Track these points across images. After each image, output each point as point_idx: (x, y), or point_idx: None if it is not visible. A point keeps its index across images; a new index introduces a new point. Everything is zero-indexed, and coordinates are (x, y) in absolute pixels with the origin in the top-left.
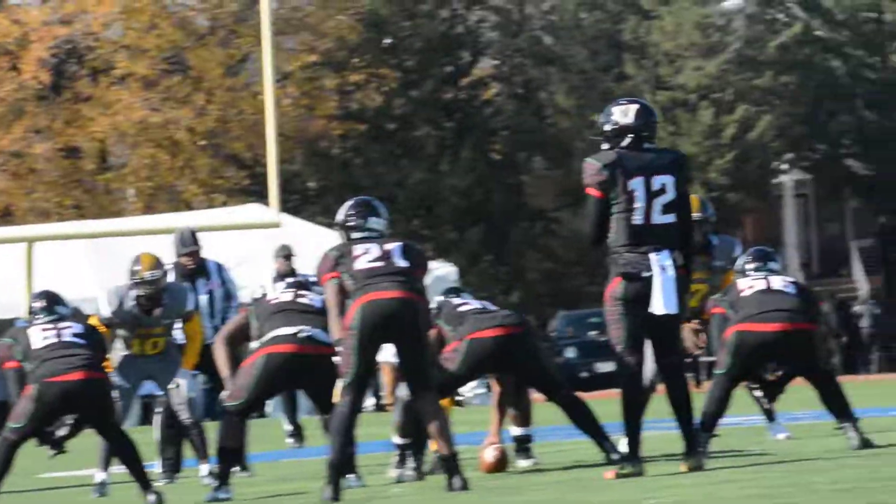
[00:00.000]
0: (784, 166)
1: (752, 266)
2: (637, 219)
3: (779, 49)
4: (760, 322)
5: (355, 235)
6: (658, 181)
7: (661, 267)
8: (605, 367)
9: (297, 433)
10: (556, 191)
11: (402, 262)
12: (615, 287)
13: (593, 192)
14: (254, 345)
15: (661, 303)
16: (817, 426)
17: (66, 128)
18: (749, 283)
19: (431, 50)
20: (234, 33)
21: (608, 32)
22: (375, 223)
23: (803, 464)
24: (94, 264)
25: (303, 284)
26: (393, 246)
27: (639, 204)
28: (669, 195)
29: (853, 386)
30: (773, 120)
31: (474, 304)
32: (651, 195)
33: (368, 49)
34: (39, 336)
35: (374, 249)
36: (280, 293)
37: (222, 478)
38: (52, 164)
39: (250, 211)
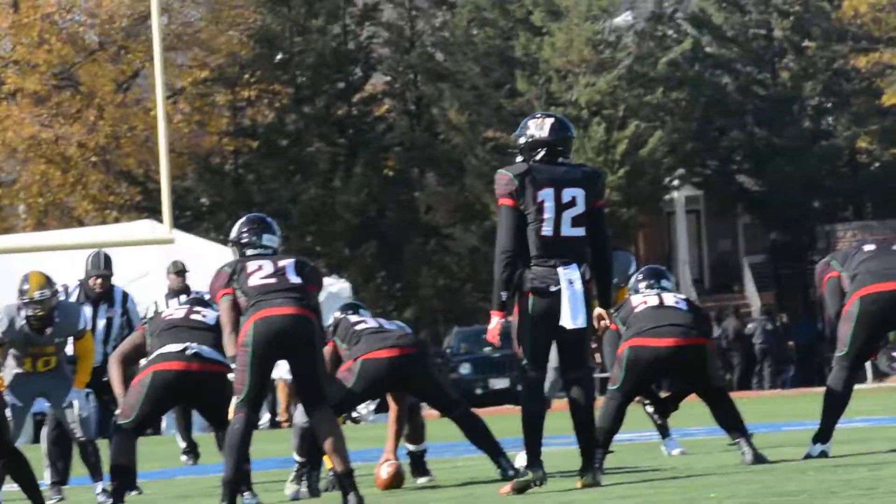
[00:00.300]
0: (676, 182)
1: (644, 284)
2: (546, 230)
3: (669, 65)
4: (654, 337)
5: (249, 252)
6: (568, 193)
7: (568, 281)
8: (500, 383)
9: (192, 450)
10: (449, 207)
11: (295, 279)
12: (525, 301)
13: (506, 201)
14: (143, 362)
15: (568, 317)
16: (711, 442)
17: None
18: (642, 300)
19: (323, 66)
20: (124, 49)
21: (500, 49)
22: (269, 240)
23: (697, 479)
24: None
25: (199, 301)
26: (287, 262)
27: (548, 215)
28: (579, 208)
29: (746, 402)
30: (665, 136)
31: (370, 323)
32: (560, 207)
33: (260, 65)
34: None
35: (268, 266)
36: (174, 310)
37: (116, 495)
38: None
39: (143, 227)
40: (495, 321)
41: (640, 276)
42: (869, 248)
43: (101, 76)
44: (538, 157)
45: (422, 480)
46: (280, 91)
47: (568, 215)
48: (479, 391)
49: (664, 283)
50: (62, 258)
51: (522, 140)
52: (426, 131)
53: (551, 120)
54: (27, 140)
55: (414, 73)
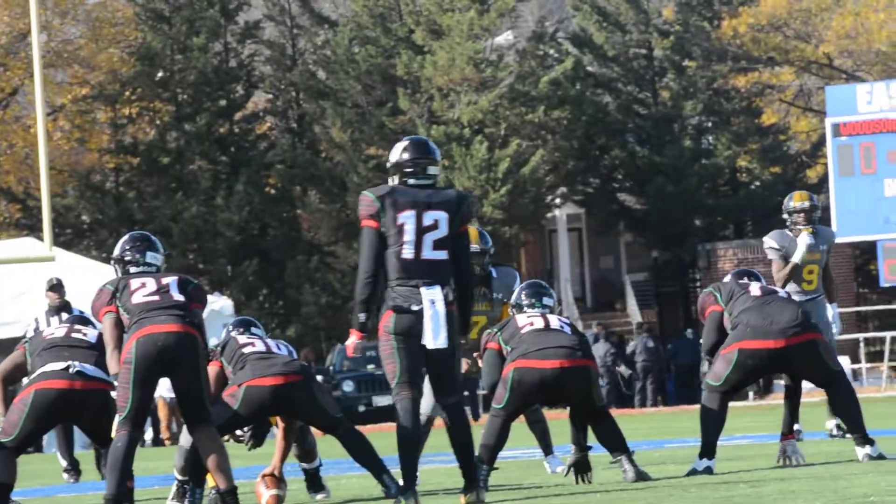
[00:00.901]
0: (557, 200)
1: (527, 301)
2: (407, 253)
3: (551, 84)
4: (539, 359)
5: (132, 270)
6: (430, 216)
7: (430, 301)
8: (383, 400)
9: (74, 468)
10: (331, 225)
11: (178, 296)
12: (387, 320)
13: (368, 223)
14: (25, 381)
15: (430, 336)
16: (594, 459)
17: None
18: (528, 320)
19: (205, 83)
20: (3, 66)
21: (382, 67)
22: (152, 258)
23: (580, 497)
24: None
25: (80, 319)
26: (170, 280)
27: (408, 238)
28: (441, 231)
29: (629, 419)
30: (546, 154)
31: (258, 346)
32: (422, 230)
33: (141, 82)
34: None
35: (151, 283)
36: (54, 329)
37: None
38: None
39: (23, 245)
40: (352, 339)
41: (523, 292)
42: (755, 293)
43: None
44: (397, 180)
45: (319, 497)
46: (161, 109)
47: (429, 238)
48: (361, 408)
49: (546, 300)
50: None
51: (389, 164)
52: (308, 149)
53: (405, 142)
54: None
55: (296, 91)
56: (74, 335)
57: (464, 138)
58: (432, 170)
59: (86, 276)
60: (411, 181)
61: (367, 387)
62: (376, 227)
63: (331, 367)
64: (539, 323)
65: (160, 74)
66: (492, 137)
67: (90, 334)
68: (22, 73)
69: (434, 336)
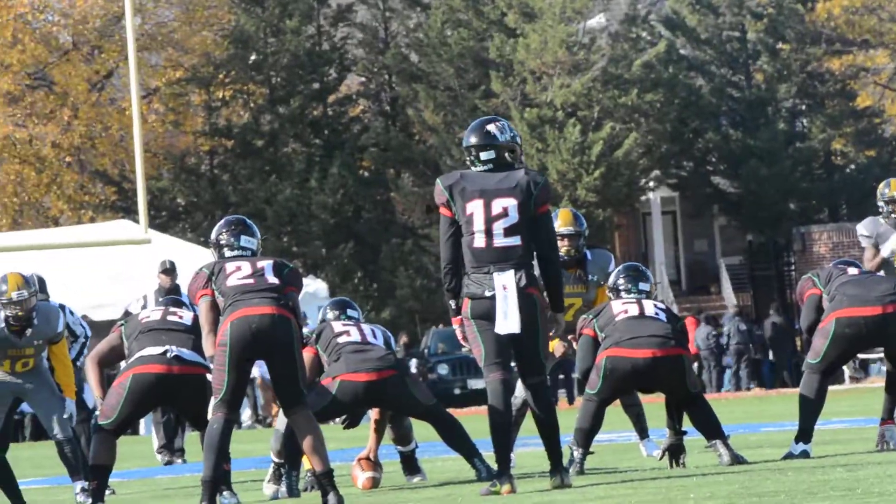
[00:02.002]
0: (651, 184)
1: (623, 285)
2: (478, 242)
3: (644, 67)
4: (632, 348)
5: (227, 253)
6: (498, 204)
7: (502, 286)
8: (478, 383)
9: (169, 448)
10: (425, 207)
11: (273, 279)
12: (466, 307)
13: (443, 210)
14: (122, 364)
15: (501, 322)
16: (690, 443)
17: None
18: (622, 308)
19: (298, 66)
20: (98, 49)
21: (474, 50)
22: (247, 241)
23: (676, 480)
24: None
25: (175, 302)
26: (265, 263)
27: (478, 227)
28: (511, 218)
29: (725, 403)
30: (640, 137)
31: (353, 336)
32: (491, 219)
33: (235, 65)
34: None
35: (246, 266)
36: (150, 312)
37: (96, 495)
38: None
39: (119, 227)
40: (455, 328)
41: (621, 276)
42: (853, 272)
43: (74, 76)
44: (469, 163)
45: (415, 479)
46: (255, 91)
47: (500, 226)
48: (457, 391)
49: (642, 285)
50: (38, 258)
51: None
52: (401, 132)
53: (474, 123)
54: (1, 140)
55: (388, 74)
56: (170, 318)
57: (557, 121)
58: (485, 155)
59: (181, 259)
60: (483, 156)
61: (461, 370)
62: (450, 216)
63: (425, 351)
64: (634, 310)
65: (253, 57)
66: (585, 120)
67: (186, 317)
68: (116, 55)
69: (506, 323)
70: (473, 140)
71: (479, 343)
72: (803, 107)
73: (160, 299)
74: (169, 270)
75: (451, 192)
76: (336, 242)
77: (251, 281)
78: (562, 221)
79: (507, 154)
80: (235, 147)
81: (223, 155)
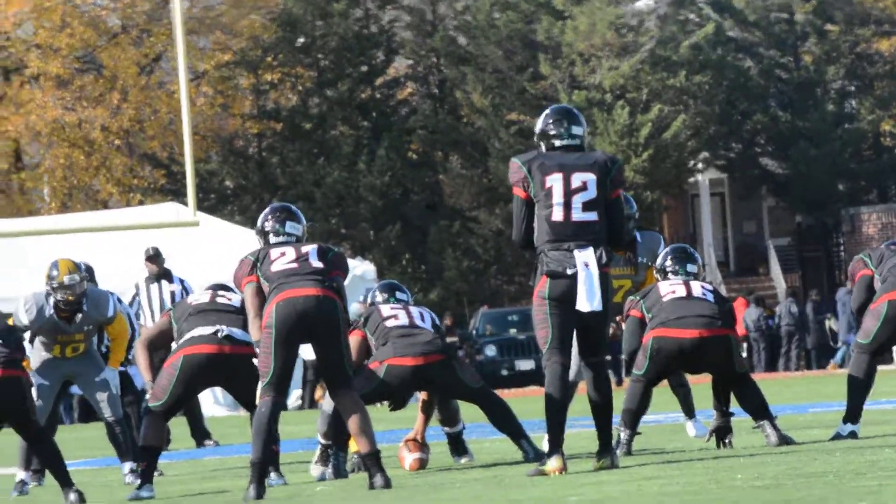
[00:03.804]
0: (699, 165)
1: (671, 266)
2: (557, 215)
3: (692, 49)
4: (678, 328)
5: (272, 240)
6: (578, 178)
7: (584, 263)
8: (525, 364)
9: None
10: (473, 190)
11: (318, 263)
12: (542, 286)
13: (517, 191)
14: (174, 346)
15: (584, 299)
16: (736, 423)
17: None
18: (670, 288)
19: (346, 49)
20: (147, 32)
21: (522, 32)
22: (292, 227)
23: (724, 461)
24: (9, 264)
25: (224, 286)
26: (309, 248)
27: (557, 199)
28: (590, 193)
29: (772, 383)
30: (688, 119)
31: (401, 319)
32: (570, 192)
33: (282, 48)
34: None
35: (291, 252)
36: (199, 295)
37: (145, 476)
38: None
39: (167, 210)
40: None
41: (668, 257)
42: None
43: (123, 59)
44: (544, 147)
45: (462, 460)
46: (303, 74)
47: (579, 200)
48: (504, 373)
49: (690, 266)
50: (87, 240)
51: (535, 134)
52: (449, 114)
53: (548, 110)
54: (51, 124)
55: (436, 57)
56: (220, 300)
57: (605, 103)
58: (576, 130)
59: (229, 242)
60: (557, 143)
61: (509, 351)
62: (525, 197)
63: (473, 332)
64: (681, 291)
65: (301, 40)
66: (633, 102)
67: (234, 299)
68: (165, 39)
69: (589, 299)
70: (562, 115)
71: (549, 326)
72: (852, 88)
73: (152, 285)
74: (153, 257)
75: (530, 168)
76: (384, 225)
77: (295, 265)
78: None
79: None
80: (284, 130)
81: (271, 138)
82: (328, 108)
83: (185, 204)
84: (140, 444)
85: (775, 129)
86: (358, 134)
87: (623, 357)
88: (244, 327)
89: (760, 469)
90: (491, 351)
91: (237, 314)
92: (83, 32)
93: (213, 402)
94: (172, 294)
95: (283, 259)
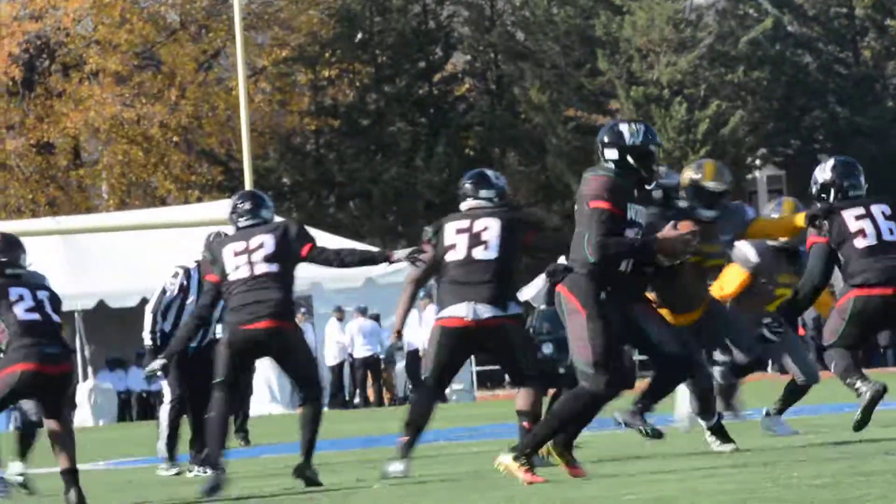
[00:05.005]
0: (758, 162)
1: (847, 182)
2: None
3: (750, 44)
4: (882, 286)
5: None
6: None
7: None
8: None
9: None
10: (530, 186)
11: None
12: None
13: (606, 206)
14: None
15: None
16: (801, 421)
17: (38, 124)
18: (857, 225)
19: (404, 45)
20: (205, 28)
21: (580, 28)
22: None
23: (781, 458)
24: (69, 260)
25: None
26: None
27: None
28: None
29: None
30: (746, 115)
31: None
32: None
33: (341, 44)
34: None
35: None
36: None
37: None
38: (24, 161)
39: (225, 206)
40: None
41: (836, 171)
42: None
43: (182, 56)
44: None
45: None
46: (361, 70)
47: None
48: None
49: (862, 179)
50: (145, 237)
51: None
52: (507, 110)
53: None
54: (109, 120)
55: (494, 53)
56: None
57: (663, 99)
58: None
59: None
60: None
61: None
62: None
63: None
64: (871, 230)
65: (359, 36)
66: (691, 98)
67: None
68: (223, 35)
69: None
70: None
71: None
72: None
73: None
74: None
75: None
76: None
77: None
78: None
79: None
80: (341, 126)
81: (329, 134)
82: (386, 104)
83: None
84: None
85: (834, 126)
86: (415, 130)
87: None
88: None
89: (818, 467)
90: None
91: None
92: (142, 28)
93: (270, 399)
94: None
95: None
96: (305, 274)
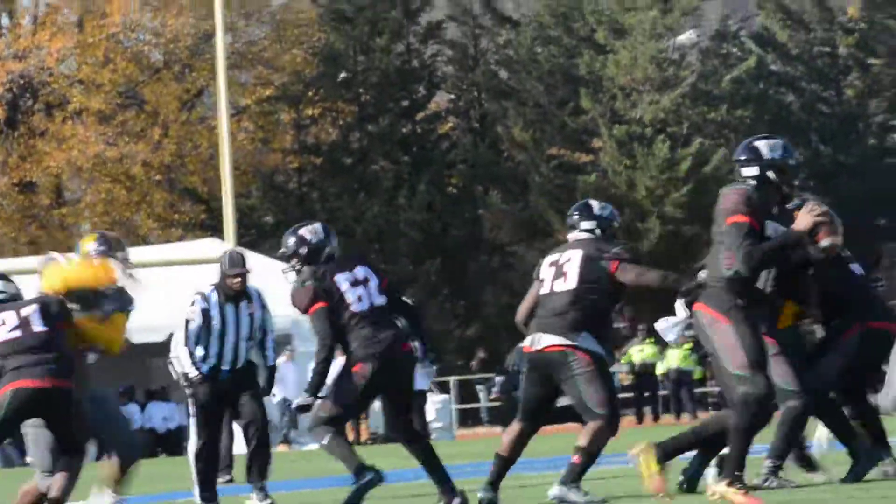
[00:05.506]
0: None
1: None
2: None
3: (733, 83)
4: None
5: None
6: None
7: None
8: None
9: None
10: (513, 224)
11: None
12: None
13: (747, 220)
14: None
15: None
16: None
17: (21, 163)
18: None
19: (387, 84)
20: (189, 67)
21: (564, 67)
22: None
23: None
24: None
25: None
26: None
27: None
28: None
29: None
30: (729, 153)
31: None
32: None
33: (324, 83)
34: None
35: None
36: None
37: None
38: (7, 200)
39: (207, 245)
40: None
41: None
42: None
43: (165, 95)
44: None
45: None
46: (344, 109)
47: None
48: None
49: None
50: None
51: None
52: (490, 149)
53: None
54: (92, 159)
55: (478, 91)
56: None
57: (646, 137)
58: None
59: (269, 277)
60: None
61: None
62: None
63: (510, 367)
64: None
65: (343, 75)
66: (674, 136)
67: None
68: (207, 74)
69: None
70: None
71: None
72: (894, 122)
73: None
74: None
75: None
76: (423, 259)
77: (18, 334)
78: None
79: None
80: (324, 164)
81: (312, 173)
82: (369, 142)
83: (224, 239)
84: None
85: (817, 164)
86: (398, 168)
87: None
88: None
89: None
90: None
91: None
92: (126, 68)
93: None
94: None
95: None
96: (285, 312)
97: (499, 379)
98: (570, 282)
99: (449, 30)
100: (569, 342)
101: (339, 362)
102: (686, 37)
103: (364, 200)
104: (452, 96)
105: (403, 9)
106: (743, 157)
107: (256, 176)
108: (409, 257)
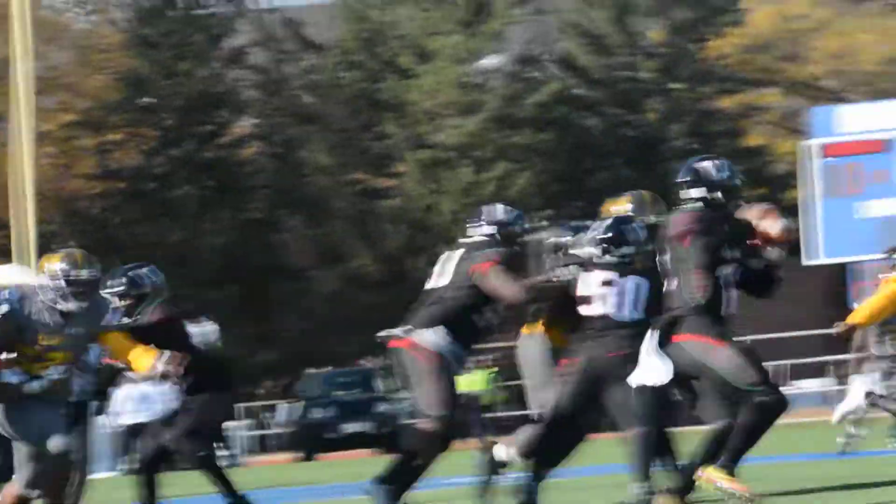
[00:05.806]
0: (544, 222)
1: None
2: None
3: (536, 107)
4: None
5: None
6: None
7: None
8: (352, 427)
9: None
10: (315, 249)
11: None
12: None
13: None
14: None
15: None
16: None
17: None
18: None
19: (190, 109)
20: None
21: (367, 91)
22: None
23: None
24: None
25: None
26: None
27: None
28: None
29: None
30: (532, 177)
31: None
32: None
33: (127, 108)
34: None
35: None
36: None
37: None
38: None
39: (11, 271)
40: None
41: None
42: None
43: None
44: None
45: None
46: (147, 134)
47: None
48: (331, 435)
49: None
50: None
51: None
52: (293, 173)
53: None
54: None
55: (282, 116)
56: None
57: (450, 161)
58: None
59: None
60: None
61: (337, 413)
62: None
63: (302, 392)
64: None
65: (146, 100)
66: (478, 160)
67: None
68: (7, 98)
69: None
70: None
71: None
72: (695, 146)
73: None
74: None
75: None
76: (224, 284)
77: None
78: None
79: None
80: (127, 189)
81: (114, 198)
82: (172, 167)
83: (27, 265)
84: None
85: (619, 187)
86: (202, 194)
87: None
88: None
89: None
90: (319, 413)
91: None
92: None
93: None
94: None
95: None
96: None
97: (285, 406)
98: (444, 279)
99: (253, 54)
100: (408, 337)
101: None
102: (489, 61)
103: (166, 225)
104: (256, 121)
105: (207, 34)
106: (689, 179)
107: (58, 202)
108: (212, 283)
